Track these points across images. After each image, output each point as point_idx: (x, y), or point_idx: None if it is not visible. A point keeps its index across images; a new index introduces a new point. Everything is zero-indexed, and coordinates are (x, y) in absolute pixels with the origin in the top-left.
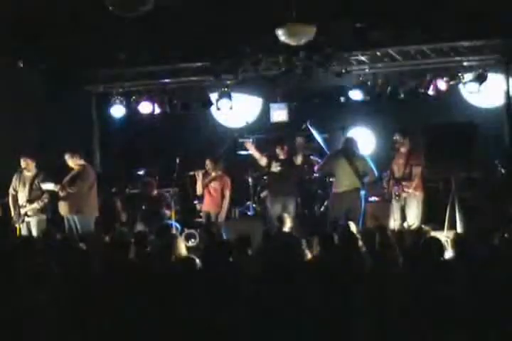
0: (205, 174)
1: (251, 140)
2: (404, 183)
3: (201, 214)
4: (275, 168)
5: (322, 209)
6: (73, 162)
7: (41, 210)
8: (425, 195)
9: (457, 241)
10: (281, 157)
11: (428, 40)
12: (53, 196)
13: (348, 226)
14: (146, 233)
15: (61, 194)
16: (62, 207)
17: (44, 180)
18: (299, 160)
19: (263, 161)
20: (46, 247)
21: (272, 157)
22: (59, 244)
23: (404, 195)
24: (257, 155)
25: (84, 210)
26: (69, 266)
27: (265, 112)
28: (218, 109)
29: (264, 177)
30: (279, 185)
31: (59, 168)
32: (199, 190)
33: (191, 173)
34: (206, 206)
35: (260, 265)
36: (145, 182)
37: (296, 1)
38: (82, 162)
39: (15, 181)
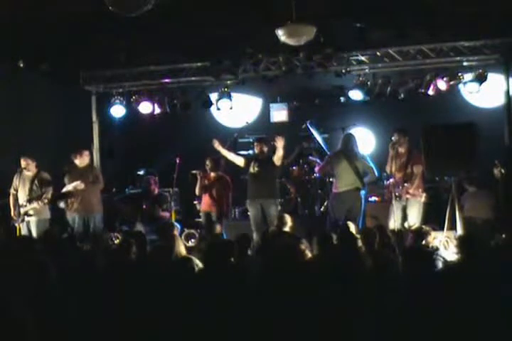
0: (205, 174)
1: (217, 142)
2: (405, 185)
3: (201, 214)
4: (253, 168)
5: (322, 209)
6: (83, 161)
7: (42, 210)
8: (426, 195)
9: (466, 241)
10: (261, 157)
11: (428, 40)
12: (54, 196)
13: (348, 227)
14: (145, 233)
15: (83, 192)
16: (85, 207)
17: (44, 181)
18: (278, 161)
19: (239, 162)
20: (46, 247)
21: (251, 157)
22: (63, 244)
23: (407, 196)
24: (229, 156)
25: (100, 209)
26: (73, 265)
27: (265, 112)
28: (218, 109)
29: None
30: (256, 186)
31: (60, 168)
32: (198, 190)
33: (193, 172)
34: (206, 206)
35: (259, 265)
36: (147, 179)
37: (296, 1)
38: (89, 161)
39: (15, 181)
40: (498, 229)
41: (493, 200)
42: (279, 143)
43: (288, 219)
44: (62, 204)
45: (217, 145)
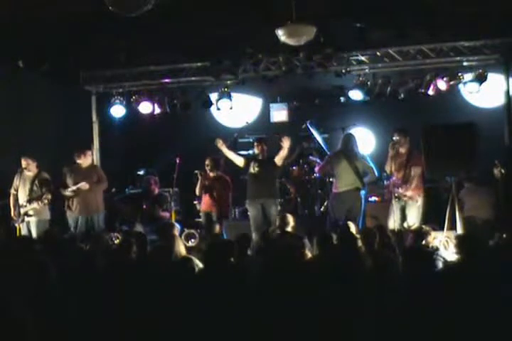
0: (205, 174)
1: (220, 141)
2: (404, 186)
3: (201, 214)
4: (253, 168)
5: (322, 209)
6: (86, 161)
7: (42, 210)
8: (425, 196)
9: (465, 241)
10: (261, 157)
11: (428, 40)
12: (58, 197)
13: (348, 227)
14: (145, 233)
15: (87, 192)
16: (89, 207)
17: (45, 181)
18: (280, 160)
19: (239, 162)
20: (46, 247)
21: (251, 157)
22: (63, 244)
23: (405, 198)
24: (230, 155)
25: (103, 208)
26: (73, 265)
27: (265, 112)
28: (218, 109)
29: None
30: (257, 186)
31: (60, 168)
32: (198, 190)
33: (195, 172)
34: (206, 206)
35: (259, 265)
36: (147, 179)
37: (296, 1)
38: (91, 161)
39: (16, 181)
40: (499, 229)
41: (494, 198)
42: (286, 144)
43: (290, 219)
44: (68, 192)
45: (220, 144)
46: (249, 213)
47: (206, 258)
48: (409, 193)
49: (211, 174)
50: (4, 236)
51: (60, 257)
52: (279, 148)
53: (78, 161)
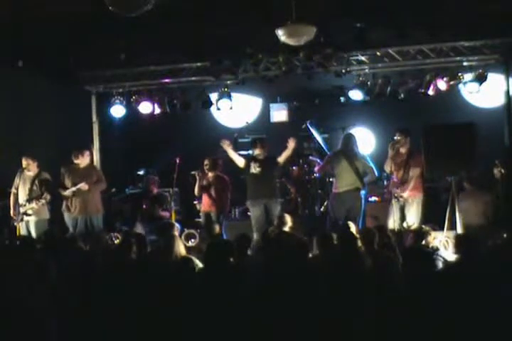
0: (203, 174)
1: (227, 141)
2: (402, 186)
3: (200, 214)
4: (254, 169)
5: (322, 209)
6: (84, 161)
7: (41, 210)
8: (425, 196)
9: (464, 241)
10: (261, 157)
11: (428, 40)
12: (57, 197)
13: (348, 226)
14: (145, 233)
15: (86, 192)
16: (88, 207)
17: (45, 181)
18: (283, 160)
19: (240, 163)
20: (46, 247)
21: (251, 158)
22: (63, 244)
23: (401, 199)
24: (234, 156)
25: (102, 209)
26: (73, 265)
27: (265, 112)
28: (218, 109)
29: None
30: (258, 186)
31: (60, 168)
32: (197, 190)
33: (192, 173)
34: (206, 206)
35: (260, 265)
36: (147, 179)
37: (296, 1)
38: (89, 161)
39: (16, 180)
40: (498, 229)
41: (487, 205)
42: (291, 144)
43: (288, 218)
44: (67, 193)
45: (227, 145)
46: (250, 213)
47: (206, 258)
48: (405, 194)
49: (209, 174)
50: (7, 237)
51: (60, 257)
52: (283, 148)
53: (76, 161)
